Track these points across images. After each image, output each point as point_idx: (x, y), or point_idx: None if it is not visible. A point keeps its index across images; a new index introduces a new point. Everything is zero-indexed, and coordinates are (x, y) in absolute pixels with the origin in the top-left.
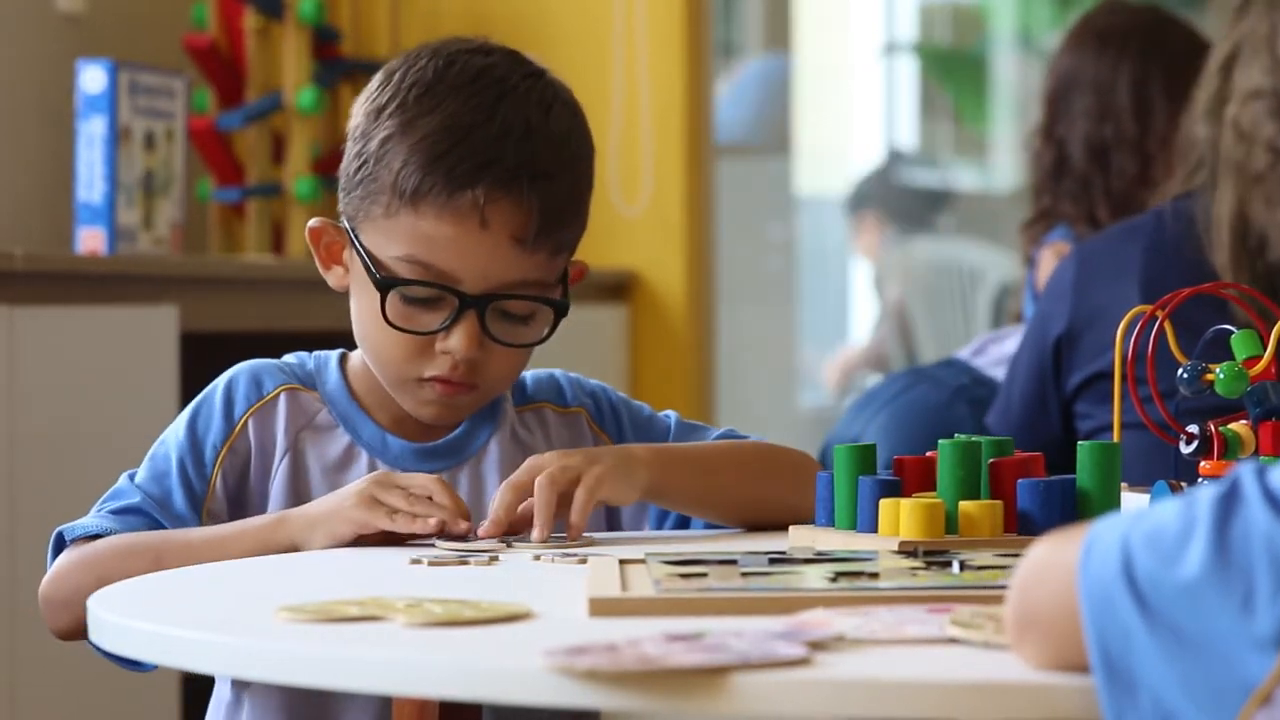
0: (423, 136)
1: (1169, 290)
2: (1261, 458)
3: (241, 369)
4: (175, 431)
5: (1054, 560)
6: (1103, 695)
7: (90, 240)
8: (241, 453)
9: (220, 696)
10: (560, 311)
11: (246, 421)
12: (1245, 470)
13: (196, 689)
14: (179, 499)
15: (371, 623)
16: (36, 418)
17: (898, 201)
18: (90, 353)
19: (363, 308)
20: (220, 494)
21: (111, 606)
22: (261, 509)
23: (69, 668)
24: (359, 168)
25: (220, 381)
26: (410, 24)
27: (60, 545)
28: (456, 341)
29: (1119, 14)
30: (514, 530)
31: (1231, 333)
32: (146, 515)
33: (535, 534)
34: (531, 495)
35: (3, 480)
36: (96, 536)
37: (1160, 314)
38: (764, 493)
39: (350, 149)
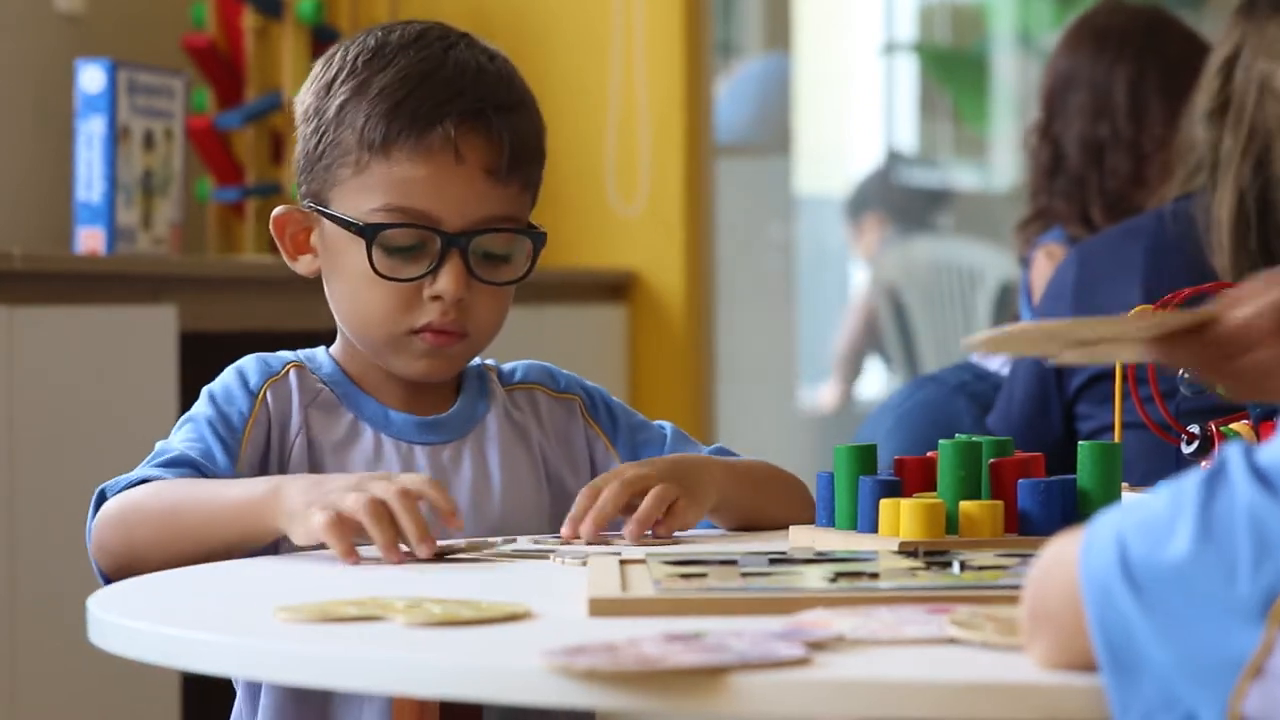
0: (381, 89)
1: (1171, 291)
2: None
3: (244, 359)
4: (198, 411)
5: (1060, 558)
6: (1109, 686)
7: (89, 240)
8: (264, 424)
9: (239, 700)
10: (539, 243)
11: (265, 394)
12: (1232, 450)
13: (197, 689)
14: (220, 455)
15: (371, 623)
16: (36, 418)
17: (898, 202)
18: (89, 353)
19: (344, 280)
20: (249, 460)
21: (111, 606)
22: None
23: (69, 668)
24: (317, 142)
25: (228, 370)
26: None
27: (101, 501)
28: (444, 283)
29: (1117, 13)
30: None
31: None
32: (191, 464)
33: (629, 530)
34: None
35: (3, 480)
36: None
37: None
38: (788, 510)
39: (303, 131)
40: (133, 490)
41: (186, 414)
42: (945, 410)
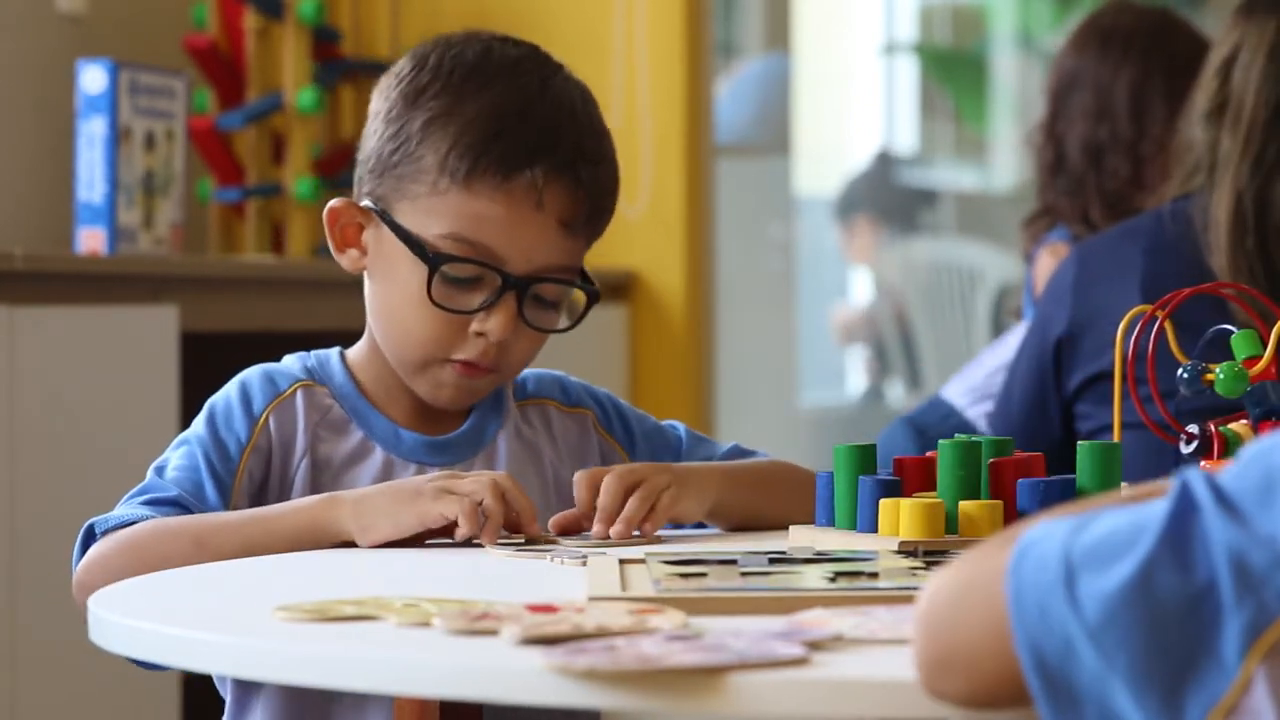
0: (474, 117)
1: (1170, 291)
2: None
3: (250, 372)
4: (195, 432)
5: (976, 583)
6: (1042, 709)
7: (90, 240)
8: (264, 450)
9: (228, 703)
10: (594, 299)
11: (268, 418)
12: (1194, 478)
13: (196, 689)
14: (211, 492)
15: (370, 622)
16: (36, 418)
17: (888, 203)
18: (90, 353)
19: (392, 291)
20: (245, 491)
21: (111, 606)
22: None
23: (69, 668)
24: (395, 149)
25: (232, 384)
26: (410, 24)
27: (89, 538)
28: (495, 323)
29: (1125, 14)
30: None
31: (1231, 333)
32: (182, 506)
33: (616, 530)
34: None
35: (3, 480)
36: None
37: (1160, 314)
38: (789, 509)
39: (380, 131)
40: (127, 531)
41: (185, 432)
42: (885, 444)
